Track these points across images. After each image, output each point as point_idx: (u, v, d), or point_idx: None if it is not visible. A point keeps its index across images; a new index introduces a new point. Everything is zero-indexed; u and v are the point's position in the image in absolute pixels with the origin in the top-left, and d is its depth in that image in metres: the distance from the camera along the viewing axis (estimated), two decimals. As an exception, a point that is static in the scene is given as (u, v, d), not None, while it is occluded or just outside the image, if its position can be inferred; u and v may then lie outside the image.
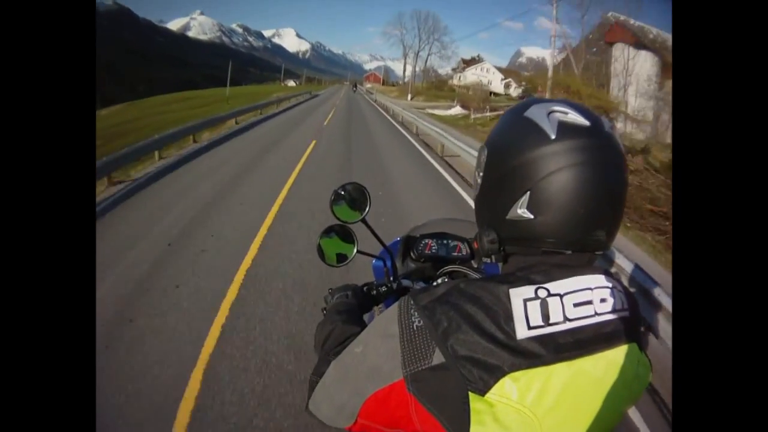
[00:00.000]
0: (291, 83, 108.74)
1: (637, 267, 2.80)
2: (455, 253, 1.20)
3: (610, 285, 0.54)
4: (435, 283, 1.07)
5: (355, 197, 1.04)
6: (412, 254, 1.22)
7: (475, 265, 1.18)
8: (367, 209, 1.02)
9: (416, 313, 0.52)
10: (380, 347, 0.54)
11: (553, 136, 0.52)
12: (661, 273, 4.19)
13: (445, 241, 1.22)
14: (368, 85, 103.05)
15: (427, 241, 1.22)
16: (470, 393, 0.48)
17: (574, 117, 0.53)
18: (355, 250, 1.07)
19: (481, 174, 0.59)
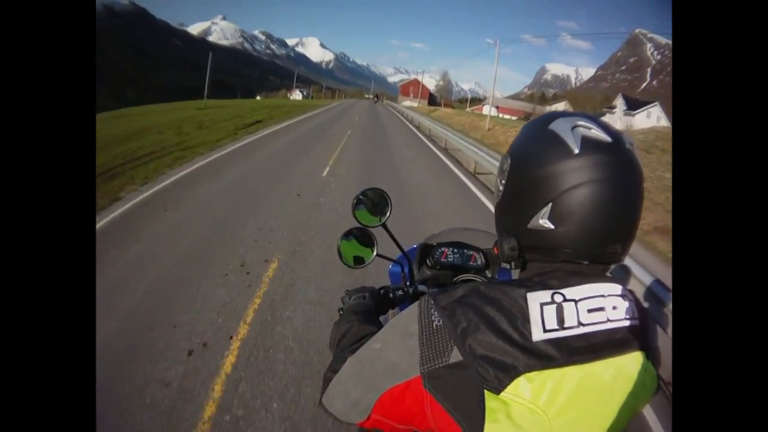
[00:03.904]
0: (297, 95, 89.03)
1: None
2: (470, 263, 1.20)
3: (622, 294, 0.55)
4: None
5: (376, 202, 1.05)
6: (428, 262, 1.23)
7: (490, 275, 1.18)
8: (387, 214, 1.03)
9: (436, 313, 0.53)
10: (399, 344, 0.55)
11: (576, 151, 0.53)
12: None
13: (460, 251, 1.22)
14: (407, 103, 55.11)
15: (443, 249, 1.22)
16: (486, 391, 0.49)
17: (597, 133, 0.54)
18: (373, 254, 1.08)
19: (504, 182, 0.61)
